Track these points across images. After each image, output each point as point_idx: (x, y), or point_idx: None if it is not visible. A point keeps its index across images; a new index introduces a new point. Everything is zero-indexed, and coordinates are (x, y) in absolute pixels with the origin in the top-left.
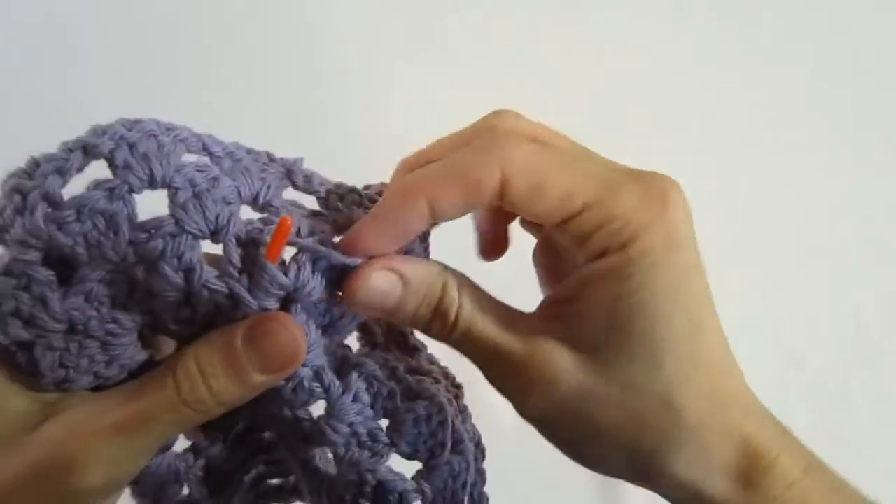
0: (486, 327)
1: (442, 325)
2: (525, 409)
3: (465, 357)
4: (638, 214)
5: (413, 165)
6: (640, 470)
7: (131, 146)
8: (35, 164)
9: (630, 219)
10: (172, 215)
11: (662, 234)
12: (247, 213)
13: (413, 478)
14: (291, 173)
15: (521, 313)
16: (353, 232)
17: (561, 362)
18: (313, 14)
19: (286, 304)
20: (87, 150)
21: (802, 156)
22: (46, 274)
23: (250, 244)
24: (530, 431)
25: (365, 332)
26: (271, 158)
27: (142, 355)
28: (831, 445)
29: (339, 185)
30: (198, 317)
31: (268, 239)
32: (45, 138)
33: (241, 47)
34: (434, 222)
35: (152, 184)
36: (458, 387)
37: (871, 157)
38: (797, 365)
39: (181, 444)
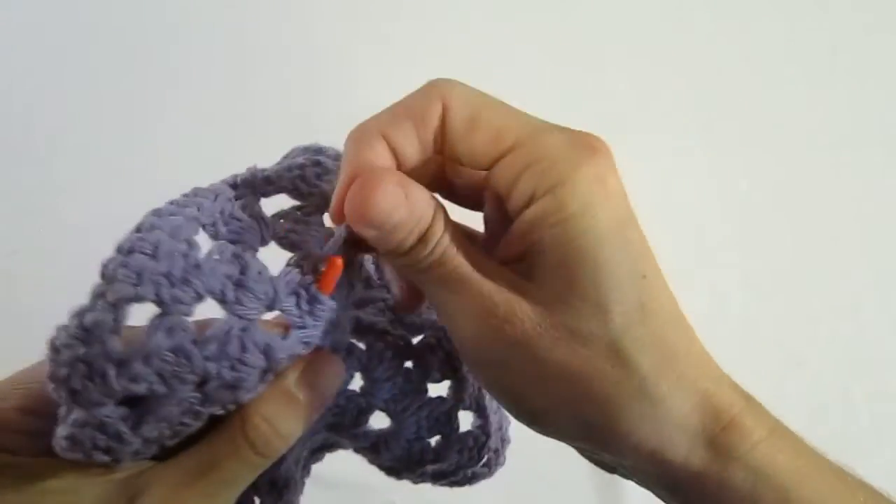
0: (460, 263)
1: (421, 250)
2: (475, 351)
3: (428, 297)
4: (564, 156)
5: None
6: (595, 431)
7: (168, 277)
8: (83, 328)
9: (556, 160)
10: (234, 314)
11: (592, 179)
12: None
13: (448, 395)
14: (255, 188)
15: (489, 259)
16: (336, 199)
17: (518, 309)
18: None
19: None
20: (130, 300)
21: (802, 155)
22: (119, 413)
23: (300, 289)
24: (529, 432)
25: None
26: (232, 185)
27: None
28: (831, 445)
29: (290, 168)
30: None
31: (314, 279)
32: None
33: (216, 38)
34: (397, 162)
35: (199, 301)
36: None
37: (872, 157)
38: (797, 365)
39: None
